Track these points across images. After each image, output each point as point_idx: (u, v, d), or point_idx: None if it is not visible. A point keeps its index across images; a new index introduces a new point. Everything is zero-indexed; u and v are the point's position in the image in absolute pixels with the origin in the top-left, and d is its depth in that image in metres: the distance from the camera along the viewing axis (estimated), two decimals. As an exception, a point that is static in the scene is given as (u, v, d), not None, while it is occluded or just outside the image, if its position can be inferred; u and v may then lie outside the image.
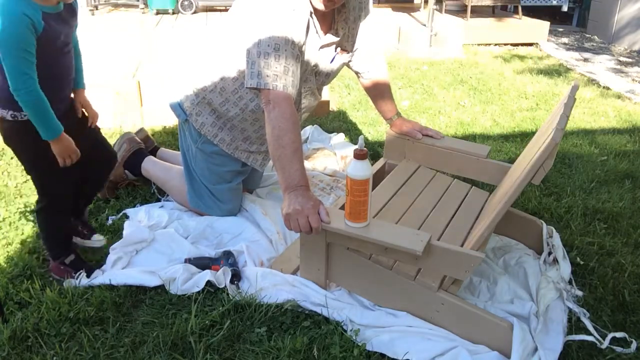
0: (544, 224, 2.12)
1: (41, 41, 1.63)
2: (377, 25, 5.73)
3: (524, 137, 3.39)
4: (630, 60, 5.69)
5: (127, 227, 2.14)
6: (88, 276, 1.92)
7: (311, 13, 1.88)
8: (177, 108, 2.21)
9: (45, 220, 1.94)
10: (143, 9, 6.49)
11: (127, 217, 2.31)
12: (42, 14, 1.63)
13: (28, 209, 2.41)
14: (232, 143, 2.20)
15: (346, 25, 2.04)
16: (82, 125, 1.97)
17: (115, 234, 2.22)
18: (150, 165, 2.50)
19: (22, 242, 2.17)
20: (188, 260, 1.97)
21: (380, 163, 2.33)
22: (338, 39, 2.02)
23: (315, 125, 3.30)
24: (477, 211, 2.07)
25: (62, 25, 1.75)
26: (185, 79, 2.20)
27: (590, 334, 1.71)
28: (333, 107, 3.87)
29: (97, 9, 6.44)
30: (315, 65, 2.05)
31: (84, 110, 1.99)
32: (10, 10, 1.56)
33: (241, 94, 2.06)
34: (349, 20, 2.04)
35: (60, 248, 1.98)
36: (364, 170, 1.54)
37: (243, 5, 1.94)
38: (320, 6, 1.84)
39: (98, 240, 2.12)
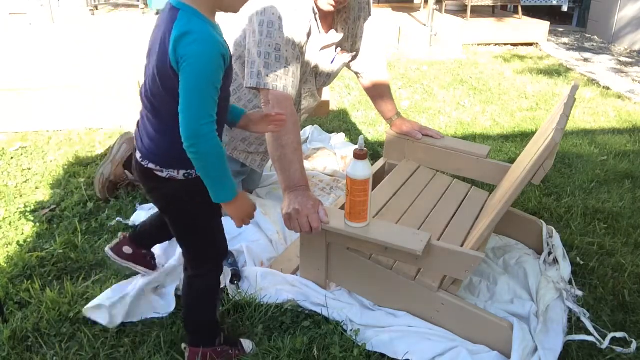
0: (544, 224, 2.12)
1: (224, 77, 1.29)
2: (377, 25, 5.73)
3: (524, 137, 3.39)
4: (630, 60, 5.68)
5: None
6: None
7: (314, 14, 1.88)
8: None
9: (203, 291, 1.53)
10: (143, 9, 6.49)
11: (130, 227, 2.31)
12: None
13: (28, 209, 2.41)
14: (231, 144, 2.19)
15: (346, 25, 2.04)
16: None
17: (114, 234, 2.22)
18: (150, 165, 2.49)
19: (22, 242, 2.17)
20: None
21: (380, 163, 2.33)
22: (341, 37, 2.02)
23: (315, 125, 3.30)
24: (477, 211, 2.07)
25: None
26: None
27: (590, 334, 1.71)
28: (333, 107, 3.87)
29: (97, 9, 6.44)
30: (316, 67, 2.04)
31: None
32: (206, 33, 1.21)
33: (239, 95, 2.06)
34: (349, 21, 2.04)
35: (214, 327, 1.57)
36: (364, 170, 1.54)
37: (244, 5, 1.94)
38: (328, 7, 1.84)
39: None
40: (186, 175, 1.37)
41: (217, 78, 1.24)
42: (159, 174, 1.38)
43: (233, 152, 2.22)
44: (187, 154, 1.25)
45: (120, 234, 1.77)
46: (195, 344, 1.54)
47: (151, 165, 1.37)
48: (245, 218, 1.40)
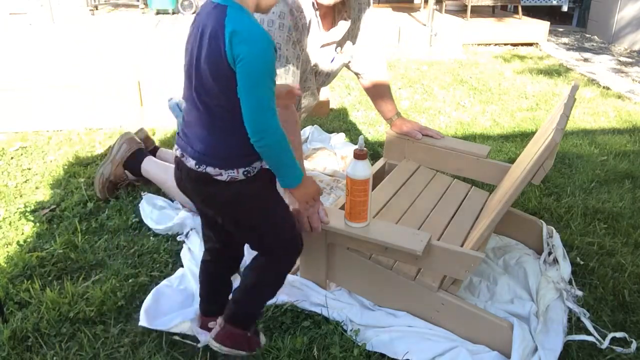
0: (544, 224, 2.12)
1: None
2: (377, 25, 5.73)
3: (524, 137, 3.39)
4: (630, 60, 5.68)
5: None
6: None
7: (315, 10, 1.88)
8: (176, 108, 2.20)
9: (272, 279, 1.54)
10: (143, 9, 6.49)
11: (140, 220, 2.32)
12: None
13: (28, 209, 2.41)
14: None
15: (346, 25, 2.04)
16: None
17: (114, 234, 2.22)
18: (150, 166, 2.50)
19: (22, 242, 2.17)
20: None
21: (380, 163, 2.33)
22: (341, 35, 2.02)
23: (315, 125, 3.30)
24: (477, 211, 2.07)
25: None
26: (183, 79, 2.20)
27: (590, 334, 1.71)
28: (333, 107, 3.87)
29: (97, 9, 6.44)
30: (315, 65, 2.05)
31: None
32: (260, 28, 1.25)
33: None
34: (349, 20, 2.05)
35: (259, 312, 1.62)
36: (364, 170, 1.54)
37: None
38: (328, 0, 1.84)
39: None
40: (246, 173, 1.35)
41: (274, 71, 1.27)
42: (219, 177, 1.33)
43: None
44: (255, 148, 1.28)
45: (196, 311, 1.70)
46: (234, 323, 1.53)
47: (209, 169, 1.33)
48: (309, 200, 1.46)
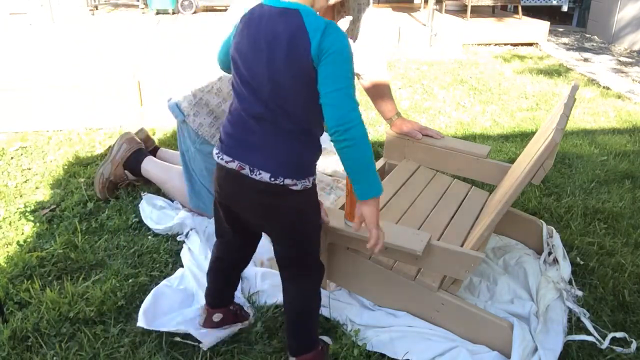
0: (544, 224, 2.12)
1: None
2: (377, 25, 5.73)
3: (524, 137, 3.39)
4: (630, 60, 5.68)
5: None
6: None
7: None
8: (175, 108, 2.20)
9: (311, 293, 1.51)
10: (143, 9, 6.49)
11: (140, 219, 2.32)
12: None
13: (28, 209, 2.41)
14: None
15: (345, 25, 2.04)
16: None
17: (114, 234, 2.22)
18: (150, 166, 2.50)
19: (22, 242, 2.17)
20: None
21: (380, 163, 2.33)
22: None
23: (315, 125, 3.30)
24: (477, 211, 2.07)
25: None
26: (184, 79, 2.20)
27: (590, 334, 1.71)
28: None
29: (97, 9, 6.44)
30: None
31: None
32: (339, 27, 1.29)
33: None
34: (349, 21, 2.05)
35: (317, 327, 1.58)
36: (364, 170, 1.53)
37: (242, 5, 1.94)
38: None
39: None
40: (313, 180, 1.36)
41: (353, 63, 1.28)
42: (294, 187, 1.32)
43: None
44: (337, 146, 1.24)
45: (199, 308, 1.70)
46: (305, 351, 1.50)
47: (287, 181, 1.31)
48: (376, 221, 1.31)
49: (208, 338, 1.61)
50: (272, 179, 1.30)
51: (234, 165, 1.34)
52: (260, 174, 1.31)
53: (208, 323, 1.66)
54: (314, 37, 1.23)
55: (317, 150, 1.37)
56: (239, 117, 1.35)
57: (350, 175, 1.29)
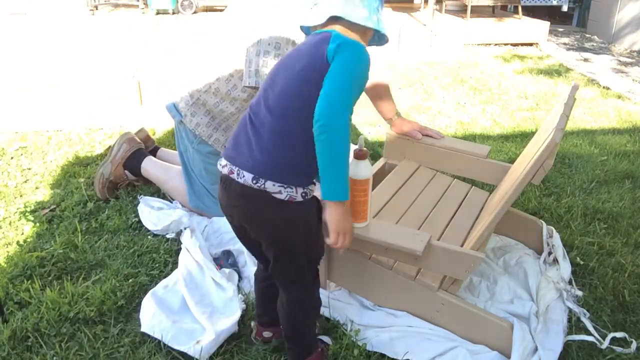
0: (544, 224, 2.12)
1: None
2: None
3: (524, 137, 3.39)
4: (630, 60, 5.68)
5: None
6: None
7: None
8: (172, 109, 2.21)
9: (306, 301, 1.49)
10: (143, 9, 6.49)
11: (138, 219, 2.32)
12: None
13: (28, 209, 2.41)
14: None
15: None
16: None
17: (114, 234, 2.22)
18: (150, 166, 2.50)
19: (22, 242, 2.17)
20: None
21: (380, 163, 2.33)
22: None
23: (315, 125, 3.30)
24: (477, 211, 2.07)
25: None
26: (181, 79, 2.20)
27: (590, 334, 1.71)
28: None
29: (97, 9, 6.44)
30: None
31: None
32: (360, 43, 1.33)
33: (235, 95, 2.06)
34: None
35: (314, 334, 1.58)
36: (364, 170, 1.53)
37: (241, 5, 1.94)
38: None
39: None
40: (304, 194, 1.31)
41: (363, 79, 1.31)
42: (278, 196, 1.28)
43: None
44: (316, 137, 1.22)
45: (252, 324, 1.68)
46: (306, 356, 1.51)
47: (268, 185, 1.27)
48: (341, 234, 1.32)
49: (203, 353, 1.58)
50: (254, 181, 1.28)
51: (226, 170, 1.33)
52: (243, 176, 1.29)
53: (259, 336, 1.66)
54: (332, 42, 1.28)
55: (311, 161, 1.26)
56: (242, 121, 1.36)
57: (320, 170, 1.26)
